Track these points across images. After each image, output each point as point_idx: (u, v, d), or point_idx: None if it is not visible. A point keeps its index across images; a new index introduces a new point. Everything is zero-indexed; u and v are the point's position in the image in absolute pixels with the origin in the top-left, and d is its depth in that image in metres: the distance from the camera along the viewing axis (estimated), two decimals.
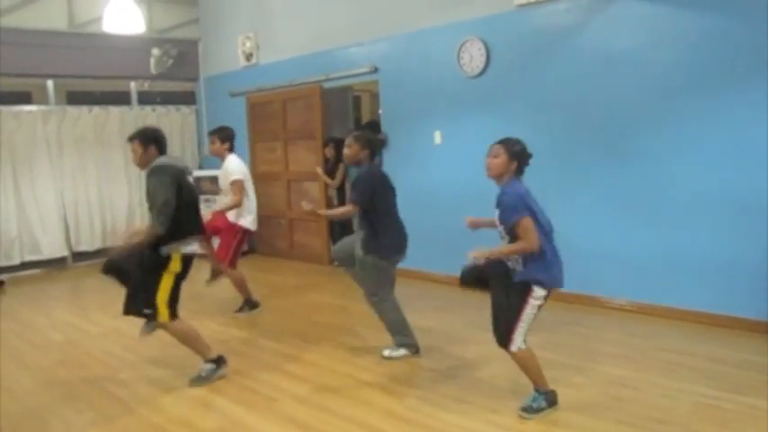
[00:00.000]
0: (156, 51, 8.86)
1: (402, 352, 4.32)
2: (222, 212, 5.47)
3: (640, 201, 4.98)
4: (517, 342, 3.25)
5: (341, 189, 7.64)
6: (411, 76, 6.56)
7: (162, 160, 3.92)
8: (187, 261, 3.93)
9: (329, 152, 7.53)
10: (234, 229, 5.45)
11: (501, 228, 3.28)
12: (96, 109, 8.77)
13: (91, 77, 9.03)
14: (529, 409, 3.33)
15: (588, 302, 5.22)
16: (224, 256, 5.44)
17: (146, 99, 9.46)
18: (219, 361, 4.08)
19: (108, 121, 8.84)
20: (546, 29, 5.44)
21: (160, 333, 5.30)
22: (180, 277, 3.92)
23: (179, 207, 3.81)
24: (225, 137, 5.53)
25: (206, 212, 5.31)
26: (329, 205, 7.45)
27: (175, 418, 3.57)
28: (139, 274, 3.81)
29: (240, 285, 5.61)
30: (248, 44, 8.55)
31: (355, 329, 5.02)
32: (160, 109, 9.45)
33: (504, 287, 3.30)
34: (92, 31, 8.25)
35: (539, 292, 3.21)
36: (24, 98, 9.83)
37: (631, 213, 5.05)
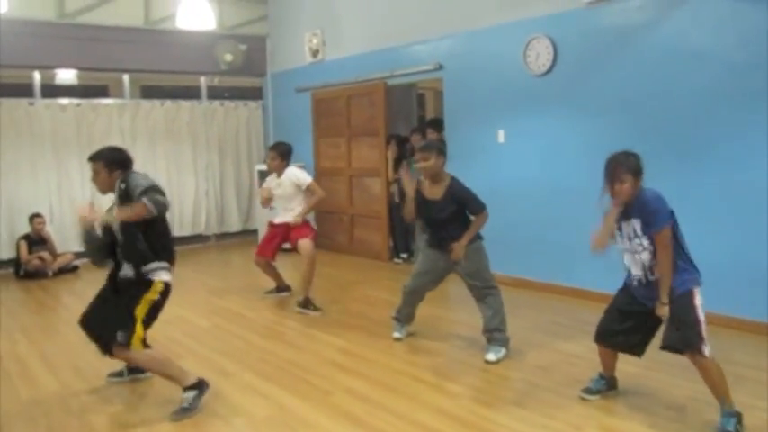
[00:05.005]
0: (222, 47, 9.05)
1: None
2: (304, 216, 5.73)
3: (715, 207, 4.75)
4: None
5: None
6: (476, 73, 6.49)
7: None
8: (167, 290, 3.69)
9: (392, 149, 7.55)
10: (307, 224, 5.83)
11: (637, 240, 3.26)
12: (168, 103, 9.10)
13: (163, 72, 9.38)
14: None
15: None
16: (310, 232, 5.75)
17: (214, 94, 9.73)
18: (201, 385, 3.60)
19: (178, 115, 9.16)
20: (617, 27, 5.27)
21: (224, 324, 5.37)
22: (159, 304, 3.68)
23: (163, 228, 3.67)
24: (284, 153, 5.76)
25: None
26: (390, 201, 7.49)
27: (231, 404, 3.66)
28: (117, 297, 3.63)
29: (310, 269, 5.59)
30: (315, 41, 8.66)
31: (411, 327, 5.01)
32: (228, 104, 9.70)
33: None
34: (165, 28, 8.55)
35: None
36: (102, 92, 10.29)
37: (705, 220, 4.83)
